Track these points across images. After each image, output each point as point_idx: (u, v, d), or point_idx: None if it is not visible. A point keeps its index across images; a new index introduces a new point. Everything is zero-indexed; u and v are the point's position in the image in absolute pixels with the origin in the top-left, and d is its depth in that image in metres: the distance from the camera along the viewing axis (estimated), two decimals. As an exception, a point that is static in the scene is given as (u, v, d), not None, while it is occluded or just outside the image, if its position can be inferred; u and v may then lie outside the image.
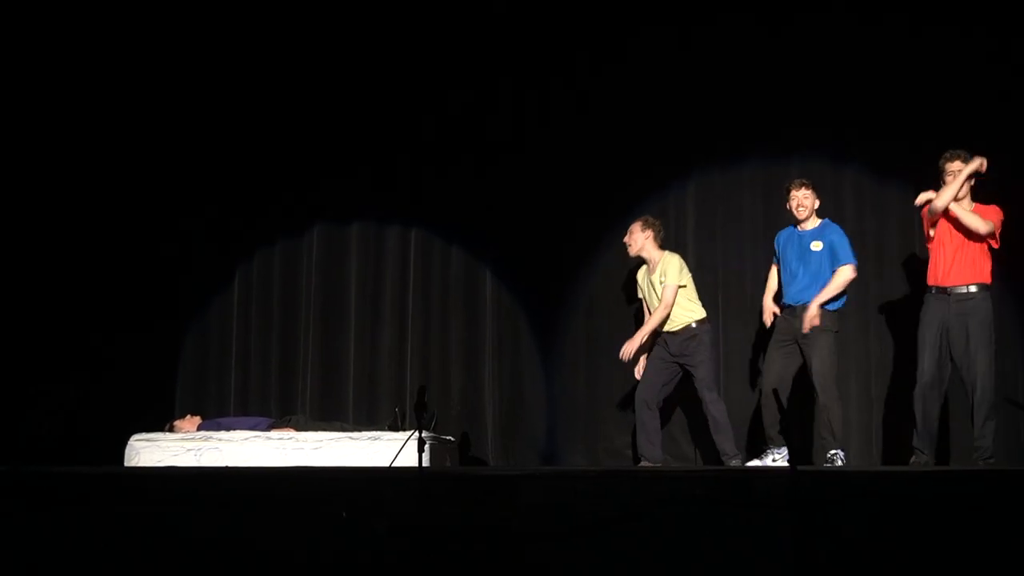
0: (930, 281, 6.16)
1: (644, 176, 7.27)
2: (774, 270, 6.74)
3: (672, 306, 6.59)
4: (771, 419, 6.32)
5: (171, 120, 7.83)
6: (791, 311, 6.43)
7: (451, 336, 7.76)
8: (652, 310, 6.68)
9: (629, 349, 6.61)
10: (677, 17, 7.33)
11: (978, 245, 6.05)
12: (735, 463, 6.42)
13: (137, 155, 7.81)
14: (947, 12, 6.87)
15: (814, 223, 6.56)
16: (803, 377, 6.38)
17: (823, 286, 6.37)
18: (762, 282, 6.86)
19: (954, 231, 6.08)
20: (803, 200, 6.51)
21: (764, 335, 7.01)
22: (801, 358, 6.38)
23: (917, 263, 6.70)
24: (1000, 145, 6.24)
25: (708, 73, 7.29)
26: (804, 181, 6.55)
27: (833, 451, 6.18)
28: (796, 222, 6.56)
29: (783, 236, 6.67)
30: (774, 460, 6.27)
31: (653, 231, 6.72)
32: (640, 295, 6.89)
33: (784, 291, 6.55)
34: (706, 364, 6.59)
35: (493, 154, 7.65)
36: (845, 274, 6.41)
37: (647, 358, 6.74)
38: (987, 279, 6.06)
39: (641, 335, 6.61)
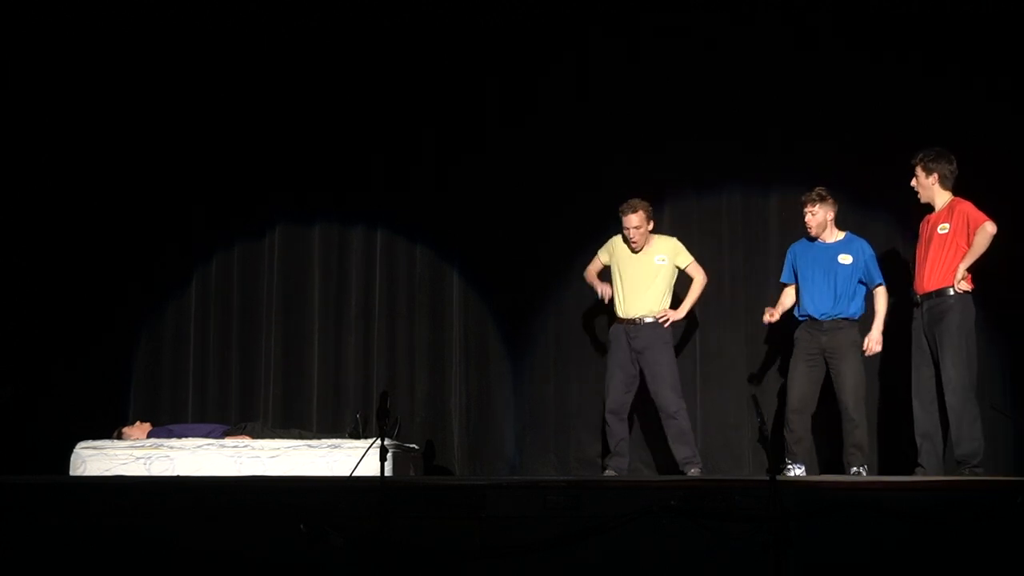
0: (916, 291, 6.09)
1: (619, 176, 7.12)
2: (790, 289, 6.48)
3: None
4: (795, 435, 6.21)
5: (121, 115, 7.61)
6: (817, 325, 6.24)
7: (417, 340, 7.60)
8: (629, 289, 6.51)
9: (675, 317, 6.55)
10: (672, 23, 7.27)
11: (951, 249, 5.87)
12: (695, 472, 6.30)
13: (92, 154, 7.60)
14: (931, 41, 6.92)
15: (837, 236, 6.37)
16: (827, 390, 6.30)
17: (851, 300, 6.23)
18: (742, 283, 6.84)
19: (929, 242, 5.97)
20: (808, 220, 6.34)
21: (744, 340, 7.07)
22: (825, 370, 6.25)
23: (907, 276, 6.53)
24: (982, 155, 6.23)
25: (690, 75, 7.24)
26: (810, 196, 6.33)
27: (860, 466, 6.09)
28: (811, 238, 6.40)
29: (799, 249, 6.45)
30: (795, 475, 6.12)
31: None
32: (612, 268, 6.67)
33: (806, 305, 6.31)
34: (672, 363, 6.51)
35: (460, 154, 7.52)
36: (885, 296, 6.29)
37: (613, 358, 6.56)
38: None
39: (688, 307, 6.61)
